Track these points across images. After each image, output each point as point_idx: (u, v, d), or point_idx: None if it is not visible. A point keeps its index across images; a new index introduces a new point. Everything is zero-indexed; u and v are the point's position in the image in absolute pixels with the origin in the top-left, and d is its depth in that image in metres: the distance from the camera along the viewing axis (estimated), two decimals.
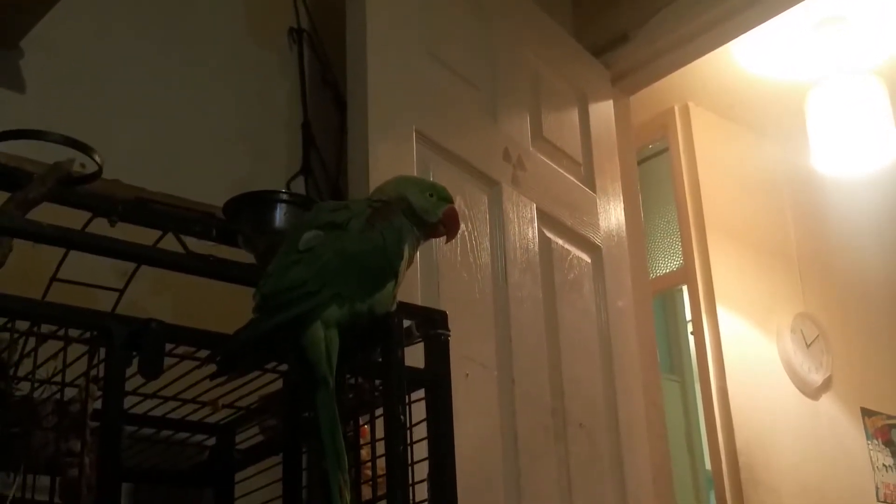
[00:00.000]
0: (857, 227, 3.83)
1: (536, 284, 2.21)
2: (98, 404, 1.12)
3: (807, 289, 3.62)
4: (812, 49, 3.22)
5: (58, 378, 1.15)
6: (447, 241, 1.36)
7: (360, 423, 1.31)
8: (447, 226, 1.29)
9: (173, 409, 1.44)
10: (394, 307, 1.23)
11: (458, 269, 1.99)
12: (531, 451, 2.03)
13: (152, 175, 1.84)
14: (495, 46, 2.32)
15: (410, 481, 1.21)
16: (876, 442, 3.66)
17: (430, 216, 1.26)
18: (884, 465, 3.66)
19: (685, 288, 3.48)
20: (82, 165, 1.34)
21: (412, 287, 1.78)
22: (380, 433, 1.22)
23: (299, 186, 2.08)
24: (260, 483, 1.51)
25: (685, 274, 3.39)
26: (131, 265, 1.34)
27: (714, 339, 3.24)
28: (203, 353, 1.24)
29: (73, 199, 1.31)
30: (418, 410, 1.29)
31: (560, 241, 2.35)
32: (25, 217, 1.22)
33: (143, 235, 1.34)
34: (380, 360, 1.23)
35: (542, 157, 2.38)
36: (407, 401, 1.25)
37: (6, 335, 1.13)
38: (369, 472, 1.28)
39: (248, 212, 1.40)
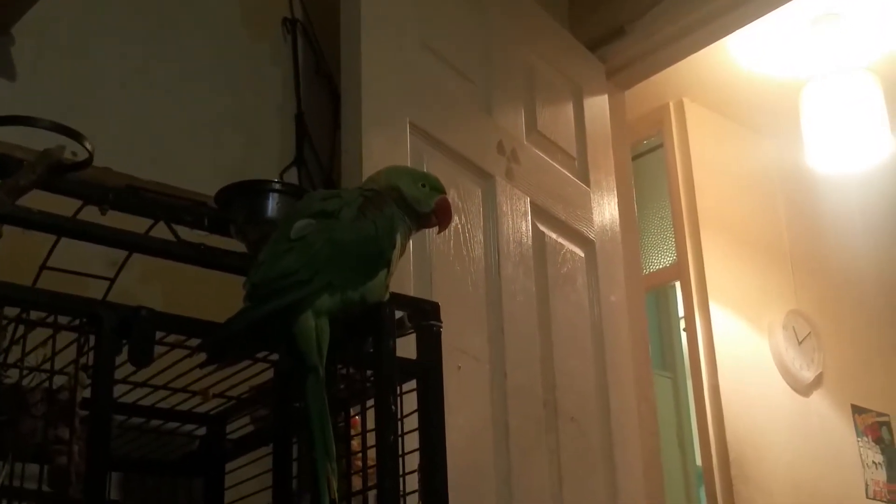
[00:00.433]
0: (850, 224, 3.83)
1: (529, 278, 2.21)
2: (87, 392, 1.12)
3: (799, 286, 3.62)
4: (807, 46, 3.22)
5: (47, 366, 1.14)
6: (439, 231, 1.36)
7: (351, 413, 1.31)
8: (439, 216, 1.29)
9: (163, 399, 1.44)
10: (386, 297, 1.22)
11: (451, 262, 1.99)
12: (522, 444, 2.04)
13: (144, 163, 1.83)
14: (490, 39, 2.32)
15: (401, 472, 1.21)
16: (866, 439, 3.67)
17: (423, 206, 1.26)
18: (873, 462, 3.67)
19: (678, 284, 3.48)
20: (73, 153, 1.33)
21: (405, 278, 1.78)
22: (371, 424, 1.22)
23: (292, 177, 2.08)
24: (250, 473, 1.50)
25: (678, 270, 3.39)
26: (122, 254, 1.33)
27: (706, 335, 3.24)
28: (194, 342, 1.24)
29: (63, 186, 1.30)
30: (409, 401, 1.29)
31: (553, 235, 2.35)
32: (16, 204, 1.21)
33: (134, 224, 1.34)
34: (371, 350, 1.23)
35: (536, 151, 2.38)
36: (398, 391, 1.25)
37: None
38: (360, 463, 1.28)
39: (240, 201, 1.39)
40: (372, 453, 1.21)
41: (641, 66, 2.80)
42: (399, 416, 1.23)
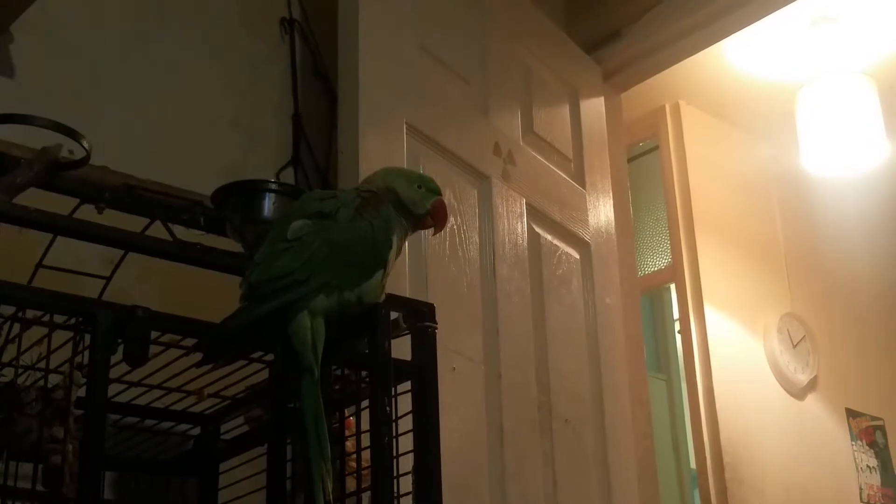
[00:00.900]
0: (845, 228, 3.84)
1: (525, 279, 2.21)
2: (82, 391, 1.12)
3: (794, 289, 3.63)
4: (804, 49, 3.23)
5: (42, 364, 1.14)
6: (435, 232, 1.36)
7: (346, 414, 1.31)
8: (435, 217, 1.29)
9: (158, 398, 1.44)
10: (382, 297, 1.22)
11: (446, 263, 1.99)
12: (517, 445, 2.04)
13: (141, 162, 1.83)
14: (487, 41, 2.32)
15: (395, 473, 1.21)
16: (860, 443, 3.68)
17: (419, 207, 1.26)
18: (867, 466, 3.68)
19: (673, 286, 3.49)
20: (70, 151, 1.33)
21: (400, 279, 1.78)
22: (365, 425, 1.22)
23: (289, 177, 2.08)
24: (244, 474, 1.50)
25: (673, 272, 3.39)
26: (118, 253, 1.33)
27: (701, 338, 3.24)
28: (189, 342, 1.24)
29: (60, 185, 1.31)
30: (404, 403, 1.29)
31: (549, 237, 2.35)
32: (12, 202, 1.21)
33: (130, 223, 1.34)
34: (366, 351, 1.23)
35: (532, 153, 2.38)
36: (393, 392, 1.25)
37: None
38: (354, 464, 1.28)
39: (236, 201, 1.39)
40: (366, 454, 1.21)
41: (638, 69, 2.81)
42: (394, 418, 1.23)
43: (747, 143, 3.66)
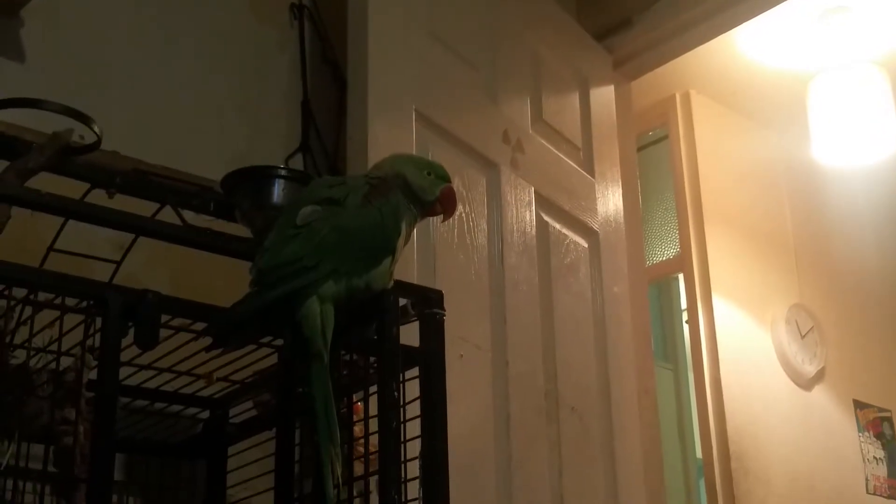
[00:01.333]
0: (854, 219, 3.83)
1: (533, 267, 2.22)
2: (93, 374, 1.12)
3: (803, 280, 3.62)
4: (815, 39, 3.22)
5: (54, 347, 1.15)
6: (444, 219, 1.36)
7: (354, 399, 1.31)
8: (444, 205, 1.29)
9: (167, 382, 1.45)
10: (390, 284, 1.23)
11: (454, 251, 1.99)
12: (523, 433, 2.04)
13: (151, 147, 1.83)
14: (497, 28, 2.32)
15: (403, 458, 1.22)
16: (867, 434, 3.68)
17: (428, 194, 1.26)
18: (874, 457, 3.68)
19: (681, 276, 3.49)
20: (81, 136, 1.34)
21: (409, 266, 1.78)
22: (373, 410, 1.23)
23: (298, 163, 2.08)
24: (253, 457, 1.51)
25: (681, 262, 3.39)
26: (128, 238, 1.34)
27: (709, 328, 3.25)
28: (199, 326, 1.24)
29: (71, 169, 1.31)
30: (412, 389, 1.29)
31: (557, 226, 2.35)
32: (24, 186, 1.22)
33: (140, 207, 1.34)
34: (375, 337, 1.24)
35: (541, 141, 2.38)
36: (401, 378, 1.26)
37: (3, 302, 1.13)
38: (362, 449, 1.29)
39: (246, 187, 1.39)
40: (374, 439, 1.22)
41: (648, 57, 2.80)
42: (402, 403, 1.24)
43: (757, 132, 3.65)
